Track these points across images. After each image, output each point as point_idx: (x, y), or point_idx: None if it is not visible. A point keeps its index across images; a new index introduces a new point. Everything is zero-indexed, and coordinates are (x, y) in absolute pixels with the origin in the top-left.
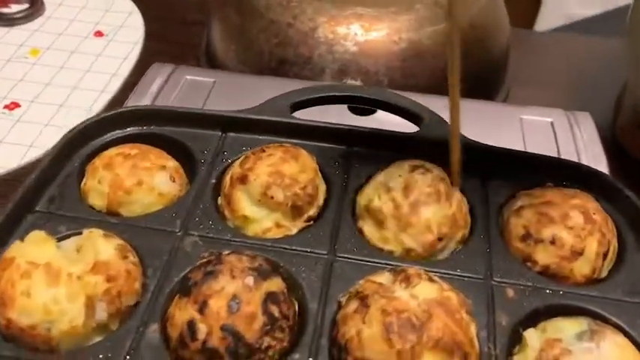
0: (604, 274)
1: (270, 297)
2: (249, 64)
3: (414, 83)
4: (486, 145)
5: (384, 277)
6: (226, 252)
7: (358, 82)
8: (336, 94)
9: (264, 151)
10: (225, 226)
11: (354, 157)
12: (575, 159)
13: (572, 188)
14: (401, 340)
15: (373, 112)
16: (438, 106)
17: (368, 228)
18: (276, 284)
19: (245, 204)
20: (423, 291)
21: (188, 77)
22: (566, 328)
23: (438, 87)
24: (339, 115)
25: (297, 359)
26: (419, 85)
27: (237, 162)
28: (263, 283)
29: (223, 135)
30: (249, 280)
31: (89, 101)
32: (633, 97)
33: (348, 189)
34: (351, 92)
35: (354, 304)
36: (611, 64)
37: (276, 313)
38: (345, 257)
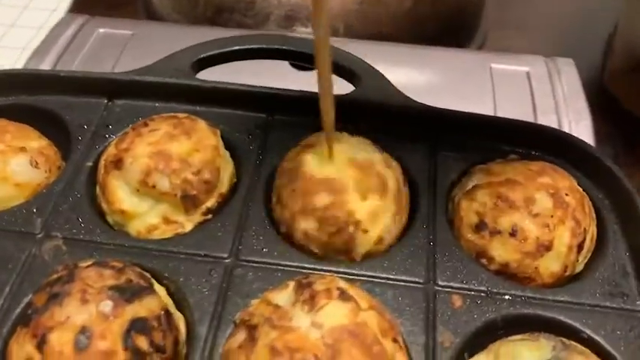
0: (579, 268)
1: (136, 325)
2: (183, 12)
3: (374, 30)
4: (434, 107)
5: (283, 295)
6: (86, 263)
7: (309, 30)
8: (251, 46)
9: (146, 125)
10: (100, 224)
11: (273, 128)
12: (553, 116)
13: (542, 160)
14: None
15: None
16: (402, 57)
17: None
18: (148, 306)
19: (123, 194)
20: (330, 316)
21: (101, 30)
22: (525, 356)
23: (403, 34)
24: (277, 73)
25: None
26: (381, 33)
27: (114, 140)
28: (126, 308)
29: (109, 103)
30: (106, 306)
31: (11, 59)
32: (626, 38)
33: (262, 169)
34: (269, 44)
35: (240, 335)
36: (601, 3)
37: (145, 346)
38: (251, 261)
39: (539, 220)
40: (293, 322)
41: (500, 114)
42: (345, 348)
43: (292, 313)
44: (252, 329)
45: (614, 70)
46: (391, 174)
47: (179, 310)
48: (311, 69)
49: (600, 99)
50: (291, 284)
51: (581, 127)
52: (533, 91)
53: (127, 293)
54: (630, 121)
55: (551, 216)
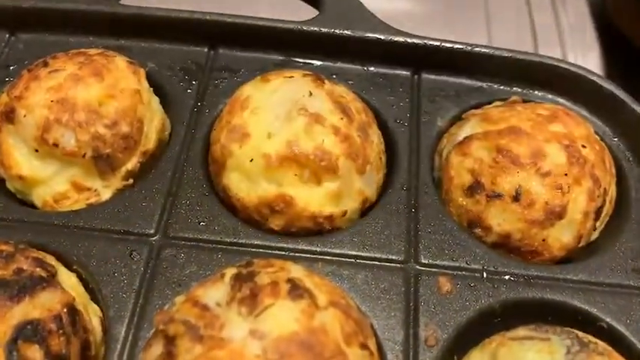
0: (594, 236)
1: (24, 333)
2: None
3: None
4: (415, 37)
5: (216, 290)
6: None
7: None
8: None
9: (46, 64)
10: None
11: (216, 64)
12: (557, 49)
13: (548, 101)
14: None
15: None
16: None
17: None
18: (43, 304)
19: (19, 156)
20: (276, 321)
21: None
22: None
23: None
24: None
25: None
26: None
27: (9, 85)
28: (12, 309)
29: (11, 38)
30: None
31: None
32: None
33: (200, 118)
34: None
35: (156, 349)
36: None
37: (38, 357)
38: (184, 239)
39: (549, 180)
40: (225, 332)
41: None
42: None
43: (225, 317)
44: (170, 342)
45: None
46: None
47: (94, 301)
48: None
49: (602, 30)
50: (228, 274)
51: (588, 60)
52: (534, 20)
53: (13, 289)
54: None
55: (565, 174)
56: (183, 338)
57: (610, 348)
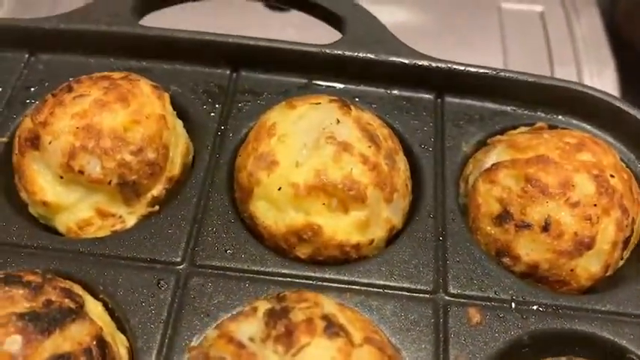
0: (620, 264)
1: None
2: None
3: None
4: (439, 61)
5: (250, 325)
6: None
7: None
8: None
9: (71, 89)
10: (19, 219)
11: (239, 87)
12: (572, 66)
13: (570, 125)
14: None
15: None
16: None
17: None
18: (74, 336)
19: (44, 182)
20: (314, 358)
21: None
22: None
23: None
24: (244, 15)
25: None
26: None
27: (32, 109)
28: (44, 342)
29: (31, 59)
30: (13, 343)
31: None
32: None
33: (225, 142)
34: None
35: None
36: None
37: None
38: (211, 267)
39: (578, 210)
40: None
41: (512, 62)
42: None
43: (262, 356)
44: None
45: (627, 11)
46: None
47: (121, 330)
48: (287, 9)
49: (615, 42)
50: (261, 309)
51: (604, 77)
52: (548, 35)
53: (44, 322)
54: None
55: (594, 205)
56: None
57: None
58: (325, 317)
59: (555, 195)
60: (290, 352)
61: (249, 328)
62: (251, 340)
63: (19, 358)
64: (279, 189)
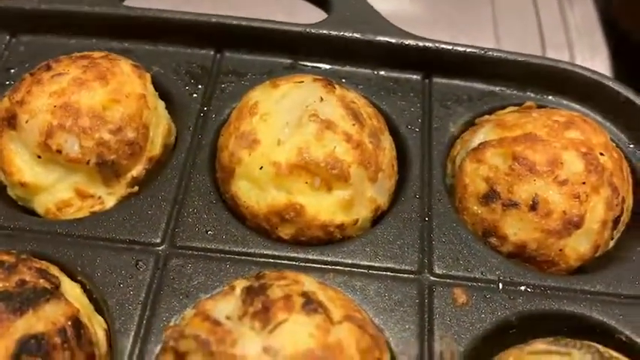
0: (610, 246)
1: (28, 347)
2: None
3: None
4: (427, 40)
5: (227, 303)
6: None
7: None
8: None
9: (49, 67)
10: None
11: (222, 68)
12: (565, 50)
13: (562, 106)
14: None
15: None
16: None
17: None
18: (48, 316)
19: (21, 162)
20: (291, 337)
21: None
22: None
23: None
24: None
25: None
26: None
27: (10, 89)
28: (15, 322)
29: (12, 40)
30: None
31: None
32: None
33: (207, 124)
34: None
35: None
36: None
37: None
38: (191, 248)
39: (567, 188)
40: (237, 348)
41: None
42: None
43: (237, 333)
44: (181, 358)
45: (624, 1)
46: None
47: (99, 312)
48: None
49: (609, 30)
50: (238, 287)
51: (597, 63)
52: (541, 22)
53: (16, 301)
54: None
55: (583, 183)
56: (195, 355)
57: None
58: (304, 294)
59: (543, 173)
60: (267, 329)
61: (226, 306)
62: (228, 318)
63: None
64: (261, 168)
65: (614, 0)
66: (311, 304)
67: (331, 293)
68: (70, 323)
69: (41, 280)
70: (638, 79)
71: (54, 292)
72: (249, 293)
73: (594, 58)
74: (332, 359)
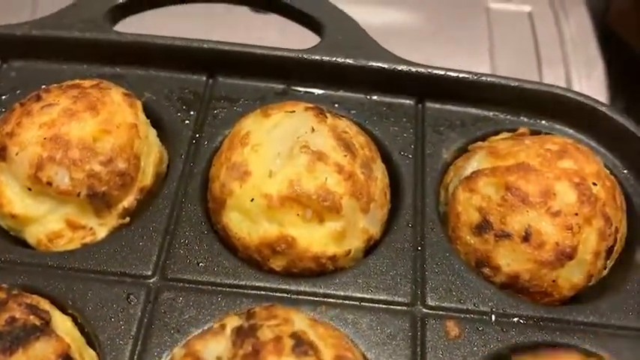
0: (604, 274)
1: None
2: None
3: None
4: (419, 66)
5: (217, 344)
6: None
7: None
8: None
9: (39, 98)
10: None
11: (214, 94)
12: (560, 67)
13: (553, 130)
14: None
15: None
16: None
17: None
18: (38, 354)
19: (11, 194)
20: None
21: None
22: None
23: None
24: (218, 20)
25: None
26: None
27: (0, 119)
28: None
29: (3, 66)
30: None
31: None
32: None
33: (199, 151)
34: None
35: None
36: None
37: None
38: (183, 281)
39: (559, 220)
40: None
41: (499, 63)
42: None
43: None
44: None
45: (621, 10)
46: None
47: (90, 345)
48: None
49: (604, 41)
50: (229, 326)
51: (593, 79)
52: (536, 35)
53: (6, 341)
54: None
55: (576, 214)
56: None
57: None
58: (294, 335)
59: (536, 204)
60: None
61: (216, 347)
62: (218, 359)
63: None
64: (252, 200)
65: (611, 11)
66: (301, 346)
67: (322, 331)
68: (65, 353)
69: (31, 317)
70: (634, 91)
71: (44, 329)
72: (239, 335)
73: (590, 74)
74: None
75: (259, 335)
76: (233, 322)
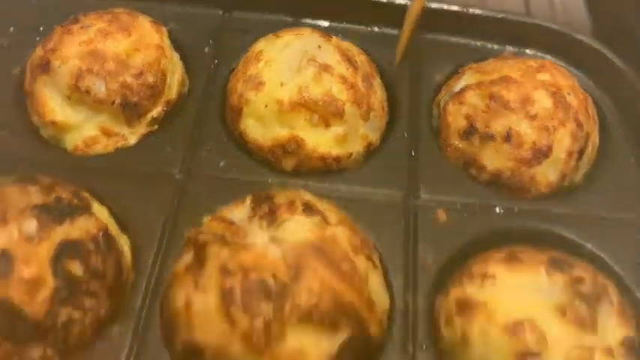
0: (578, 179)
1: (67, 249)
2: None
3: None
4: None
5: (239, 211)
6: (9, 179)
7: None
8: None
9: (77, 21)
10: (32, 140)
11: (231, 24)
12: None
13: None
14: (247, 316)
15: None
16: None
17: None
18: (82, 227)
19: (53, 103)
20: (293, 231)
21: None
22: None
23: None
24: None
25: (116, 333)
26: None
27: (42, 41)
28: (55, 228)
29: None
30: (30, 226)
31: None
32: None
33: (217, 75)
34: None
35: (187, 256)
36: None
37: (79, 272)
38: (205, 177)
39: (537, 122)
40: (248, 239)
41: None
42: (309, 265)
43: (248, 229)
44: (200, 249)
45: None
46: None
47: (124, 232)
48: None
49: None
50: (249, 198)
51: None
52: None
53: (55, 213)
54: None
55: (551, 117)
56: (213, 245)
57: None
58: (305, 203)
59: (516, 109)
60: (273, 226)
61: (238, 213)
62: (241, 220)
63: (35, 238)
64: (266, 106)
65: None
66: (311, 209)
67: (327, 206)
68: (101, 234)
69: (75, 200)
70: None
71: (86, 210)
72: (257, 201)
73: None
74: (328, 249)
75: (275, 200)
76: (251, 196)
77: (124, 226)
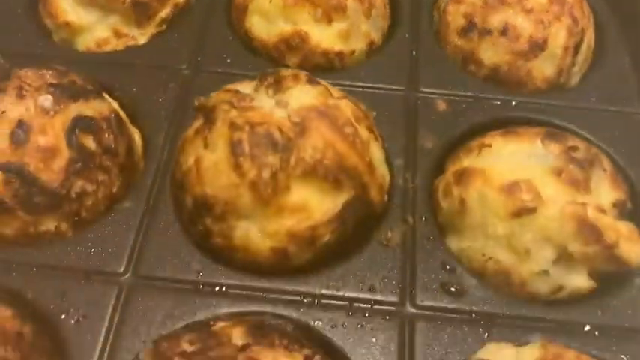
0: (575, 79)
1: (81, 123)
2: None
3: None
4: None
5: (246, 84)
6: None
7: None
8: None
9: None
10: (45, 41)
11: None
12: None
13: None
14: (255, 166)
15: None
16: None
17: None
18: (95, 107)
19: (66, 5)
20: (298, 96)
21: None
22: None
23: None
24: None
25: (127, 208)
26: None
27: None
28: (70, 105)
29: None
30: (45, 100)
31: None
32: None
33: None
34: None
35: (197, 122)
36: None
37: (93, 146)
38: (213, 72)
39: (532, 16)
40: (255, 103)
41: None
42: (313, 126)
43: (255, 95)
44: (210, 111)
45: None
46: None
47: (134, 124)
48: None
49: None
50: (256, 76)
51: None
52: None
53: (70, 91)
54: None
55: (547, 11)
56: (220, 108)
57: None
58: (309, 75)
59: (512, 3)
60: (278, 93)
61: (245, 87)
62: (247, 90)
63: (50, 112)
64: (270, 1)
65: None
66: (315, 80)
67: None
68: (113, 115)
69: (88, 85)
70: None
71: (99, 93)
72: (264, 74)
73: None
74: (331, 114)
75: (280, 73)
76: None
77: (133, 119)
